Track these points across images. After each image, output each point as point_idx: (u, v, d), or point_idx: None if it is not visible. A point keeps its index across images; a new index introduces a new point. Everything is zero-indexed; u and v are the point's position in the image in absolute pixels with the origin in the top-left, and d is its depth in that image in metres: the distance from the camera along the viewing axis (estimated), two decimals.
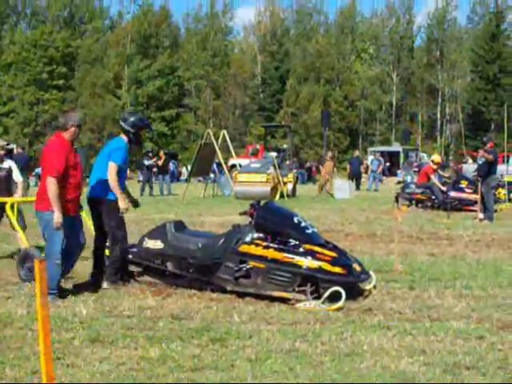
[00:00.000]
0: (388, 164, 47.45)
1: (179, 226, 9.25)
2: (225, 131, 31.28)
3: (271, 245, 8.25)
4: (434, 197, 21.49)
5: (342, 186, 28.87)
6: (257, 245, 8.31)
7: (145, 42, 74.51)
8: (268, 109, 74.24)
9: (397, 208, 11.13)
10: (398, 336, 6.43)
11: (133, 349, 6.03)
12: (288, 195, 27.19)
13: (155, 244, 8.94)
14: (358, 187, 34.83)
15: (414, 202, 21.95)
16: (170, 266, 8.90)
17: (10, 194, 11.45)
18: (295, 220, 8.66)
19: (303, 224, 8.63)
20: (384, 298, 8.10)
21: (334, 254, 8.18)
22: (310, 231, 8.56)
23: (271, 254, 8.14)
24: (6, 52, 73.90)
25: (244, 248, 8.35)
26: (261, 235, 8.46)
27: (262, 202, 9.09)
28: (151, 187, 30.69)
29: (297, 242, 8.28)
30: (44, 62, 71.76)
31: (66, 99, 72.69)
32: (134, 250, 9.16)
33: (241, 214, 9.41)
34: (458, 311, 7.43)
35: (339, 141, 71.88)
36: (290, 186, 28.21)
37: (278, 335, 6.44)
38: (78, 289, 8.70)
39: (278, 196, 26.53)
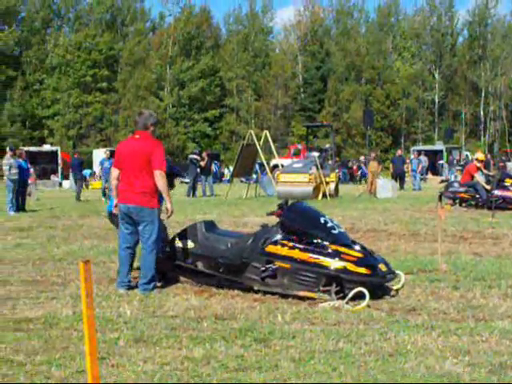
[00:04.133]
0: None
1: (210, 225, 9.35)
2: (267, 131, 31.42)
3: (297, 245, 8.29)
4: (478, 195, 21.28)
5: (385, 186, 28.70)
6: (283, 245, 8.35)
7: (187, 44, 75.06)
8: (309, 109, 74.20)
9: (440, 207, 11.03)
10: (443, 336, 6.37)
11: (177, 349, 6.06)
12: (330, 195, 27.06)
13: (186, 244, 9.04)
14: (402, 186, 34.59)
15: (457, 200, 21.79)
16: (200, 265, 8.98)
17: None
18: (321, 220, 8.68)
19: (329, 224, 8.64)
20: (428, 298, 8.04)
21: (359, 255, 8.18)
22: (336, 231, 8.56)
23: (297, 254, 8.17)
24: (50, 55, 74.94)
25: (270, 248, 8.40)
26: (287, 235, 8.51)
27: (290, 203, 9.14)
28: (195, 188, 30.80)
29: (323, 243, 8.30)
30: (87, 65, 72.80)
31: (109, 101, 73.49)
32: (166, 249, 9.22)
33: (268, 214, 9.50)
34: (504, 311, 7.35)
35: (381, 140, 71.61)
36: (332, 186, 28.04)
37: (321, 335, 6.42)
38: None
39: (320, 196, 26.47)
